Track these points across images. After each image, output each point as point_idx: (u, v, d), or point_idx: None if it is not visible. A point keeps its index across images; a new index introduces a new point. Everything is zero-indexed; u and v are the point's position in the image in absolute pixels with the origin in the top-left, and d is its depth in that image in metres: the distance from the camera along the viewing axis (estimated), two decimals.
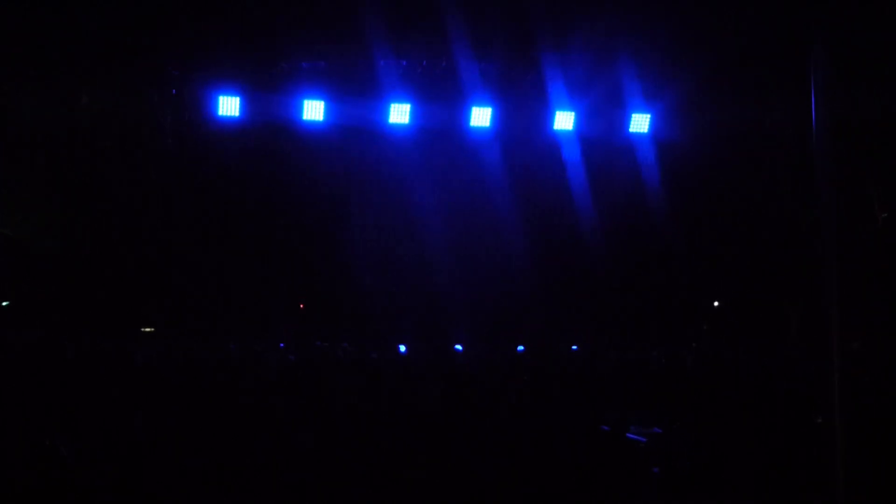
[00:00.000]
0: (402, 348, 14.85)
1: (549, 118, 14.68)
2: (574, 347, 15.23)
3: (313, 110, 14.07)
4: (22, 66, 12.66)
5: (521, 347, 15.12)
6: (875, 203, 14.94)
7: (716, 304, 16.93)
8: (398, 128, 14.40)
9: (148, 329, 15.35)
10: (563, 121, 14.65)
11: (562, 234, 15.83)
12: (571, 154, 15.21)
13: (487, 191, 15.37)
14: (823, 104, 8.32)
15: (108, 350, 12.50)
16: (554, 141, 15.10)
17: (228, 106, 13.79)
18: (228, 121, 13.96)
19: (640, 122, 14.81)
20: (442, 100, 14.45)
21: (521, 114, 14.76)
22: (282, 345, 14.66)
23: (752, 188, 15.65)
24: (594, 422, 9.74)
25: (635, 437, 9.73)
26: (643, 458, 9.30)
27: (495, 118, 14.48)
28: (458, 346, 15.07)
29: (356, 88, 14.17)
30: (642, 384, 12.11)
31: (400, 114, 14.24)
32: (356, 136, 14.67)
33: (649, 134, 14.98)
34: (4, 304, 14.58)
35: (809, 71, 8.32)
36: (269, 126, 14.30)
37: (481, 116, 14.44)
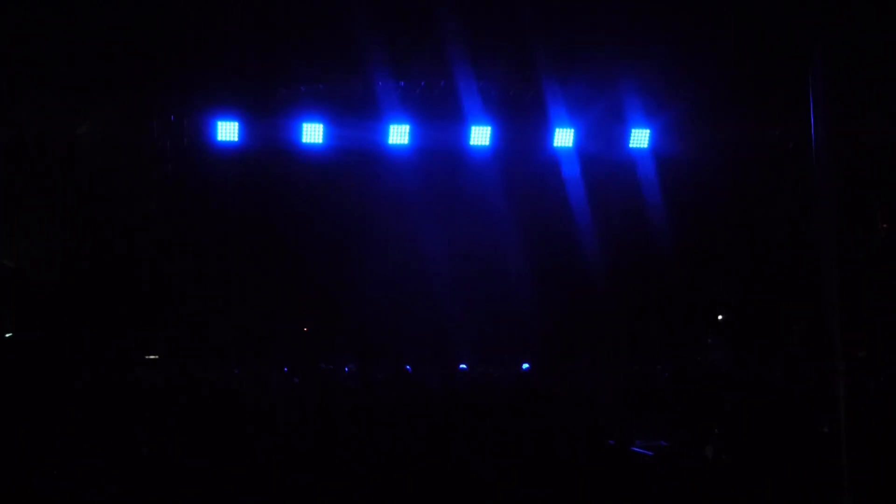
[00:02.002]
0: (409, 368, 14.85)
1: (549, 135, 14.67)
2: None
3: (312, 133, 14.08)
4: (19, 94, 12.68)
5: (526, 365, 15.08)
6: (877, 213, 14.91)
7: (720, 317, 16.88)
8: (398, 148, 14.40)
9: (152, 357, 15.31)
10: (563, 138, 14.65)
11: (564, 250, 15.79)
12: (572, 170, 15.19)
13: (488, 209, 15.35)
14: (823, 118, 8.35)
15: (112, 376, 12.49)
16: (554, 158, 15.08)
17: (227, 131, 13.81)
18: (227, 145, 13.96)
19: (640, 138, 14.79)
20: (441, 120, 14.44)
21: (521, 132, 14.74)
22: (286, 368, 14.65)
23: (754, 202, 15.62)
24: (600, 435, 9.72)
25: (641, 450, 9.70)
26: (649, 471, 9.28)
27: (495, 137, 14.47)
28: (463, 366, 15.04)
29: (355, 110, 14.17)
30: (647, 398, 12.09)
31: (399, 134, 14.25)
32: (356, 157, 14.65)
33: (649, 149, 14.96)
34: (7, 335, 14.57)
35: (809, 85, 8.33)
36: (268, 150, 14.29)
37: (481, 135, 14.43)
